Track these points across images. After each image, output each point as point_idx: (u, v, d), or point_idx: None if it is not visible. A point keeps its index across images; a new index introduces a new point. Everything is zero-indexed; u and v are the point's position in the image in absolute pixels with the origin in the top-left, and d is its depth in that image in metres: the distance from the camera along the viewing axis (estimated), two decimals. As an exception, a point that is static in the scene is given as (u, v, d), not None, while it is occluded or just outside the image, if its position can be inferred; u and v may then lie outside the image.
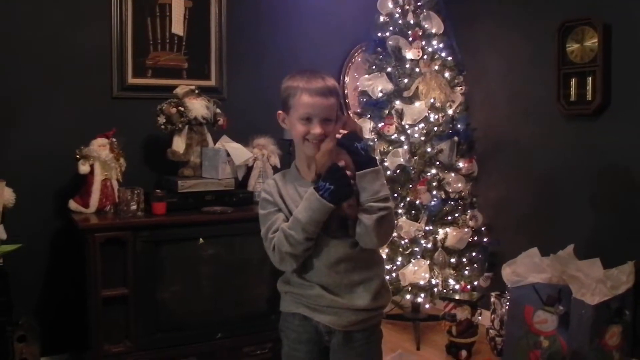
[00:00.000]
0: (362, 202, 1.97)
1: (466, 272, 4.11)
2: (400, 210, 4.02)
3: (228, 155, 3.66)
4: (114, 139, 3.48)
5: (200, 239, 3.45)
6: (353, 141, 1.96)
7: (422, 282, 3.94)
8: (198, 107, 3.61)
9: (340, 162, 1.94)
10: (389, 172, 4.02)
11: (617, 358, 3.49)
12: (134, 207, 3.33)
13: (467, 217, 4.14)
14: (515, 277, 3.76)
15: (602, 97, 3.66)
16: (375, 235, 1.98)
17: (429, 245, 4.01)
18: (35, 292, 3.61)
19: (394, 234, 4.00)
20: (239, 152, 3.70)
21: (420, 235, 3.98)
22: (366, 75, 4.25)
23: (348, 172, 1.94)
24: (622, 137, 3.64)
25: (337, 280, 2.07)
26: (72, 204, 3.43)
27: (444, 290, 4.04)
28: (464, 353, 3.88)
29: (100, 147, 3.44)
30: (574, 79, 3.82)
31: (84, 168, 3.39)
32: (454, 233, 4.04)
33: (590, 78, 3.72)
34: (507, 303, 3.85)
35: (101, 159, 3.42)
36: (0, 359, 2.88)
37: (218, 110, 3.72)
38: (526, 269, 3.76)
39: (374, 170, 1.97)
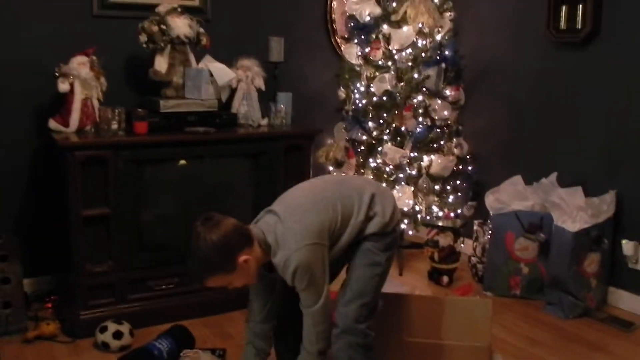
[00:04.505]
0: None
1: (450, 200, 4.12)
2: (385, 137, 4.00)
3: (211, 75, 3.58)
4: (94, 57, 3.39)
5: (182, 160, 3.41)
6: None
7: (405, 209, 3.94)
8: (180, 25, 3.50)
9: None
10: (375, 98, 3.99)
11: (594, 285, 3.55)
12: (115, 126, 3.27)
13: (453, 144, 4.11)
14: (498, 204, 3.79)
15: (592, 25, 3.62)
16: None
17: (414, 172, 3.99)
18: (14, 213, 3.59)
19: (379, 161, 3.99)
20: (222, 72, 3.62)
21: (405, 162, 3.96)
22: (354, -1, 4.15)
23: None
24: (610, 66, 3.61)
25: None
26: (52, 123, 3.35)
27: (428, 217, 4.05)
28: (445, 279, 3.91)
29: (80, 65, 3.34)
30: (564, 7, 3.74)
31: (63, 86, 3.30)
32: (439, 160, 4.02)
33: (581, 5, 3.65)
34: (490, 231, 3.87)
35: (81, 78, 3.33)
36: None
37: (201, 30, 3.61)
38: (509, 196, 3.78)
39: None
